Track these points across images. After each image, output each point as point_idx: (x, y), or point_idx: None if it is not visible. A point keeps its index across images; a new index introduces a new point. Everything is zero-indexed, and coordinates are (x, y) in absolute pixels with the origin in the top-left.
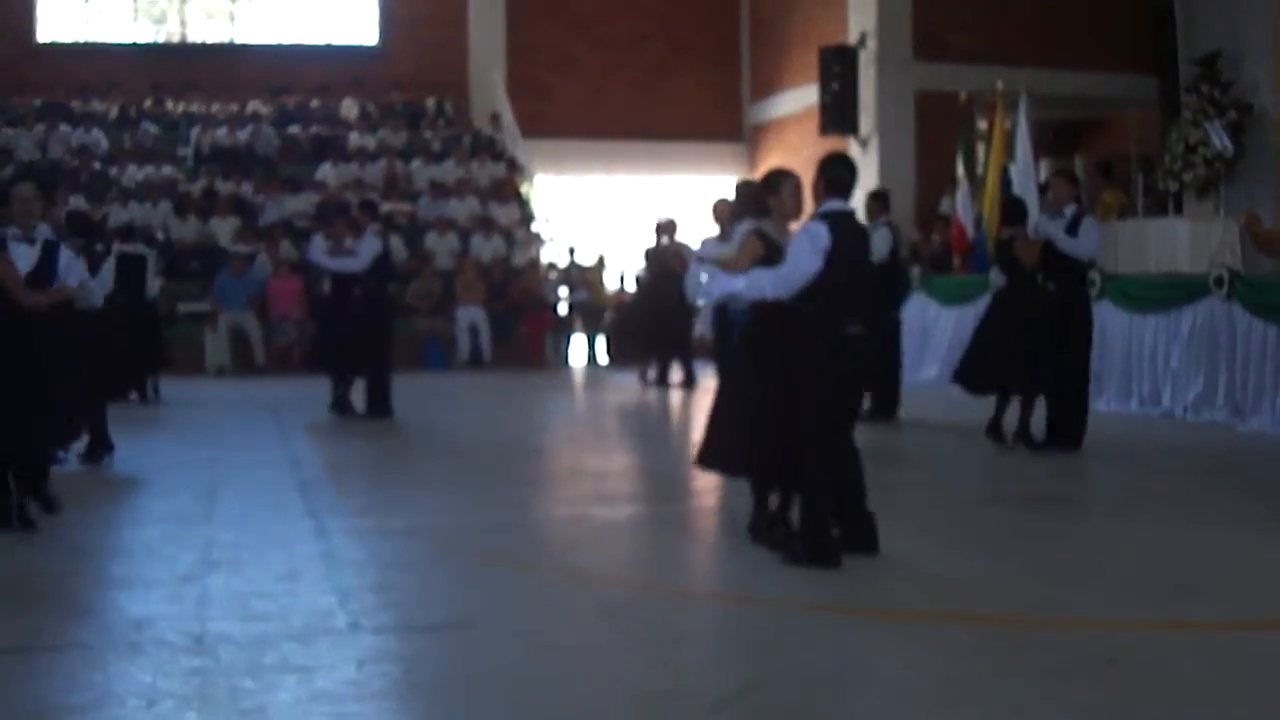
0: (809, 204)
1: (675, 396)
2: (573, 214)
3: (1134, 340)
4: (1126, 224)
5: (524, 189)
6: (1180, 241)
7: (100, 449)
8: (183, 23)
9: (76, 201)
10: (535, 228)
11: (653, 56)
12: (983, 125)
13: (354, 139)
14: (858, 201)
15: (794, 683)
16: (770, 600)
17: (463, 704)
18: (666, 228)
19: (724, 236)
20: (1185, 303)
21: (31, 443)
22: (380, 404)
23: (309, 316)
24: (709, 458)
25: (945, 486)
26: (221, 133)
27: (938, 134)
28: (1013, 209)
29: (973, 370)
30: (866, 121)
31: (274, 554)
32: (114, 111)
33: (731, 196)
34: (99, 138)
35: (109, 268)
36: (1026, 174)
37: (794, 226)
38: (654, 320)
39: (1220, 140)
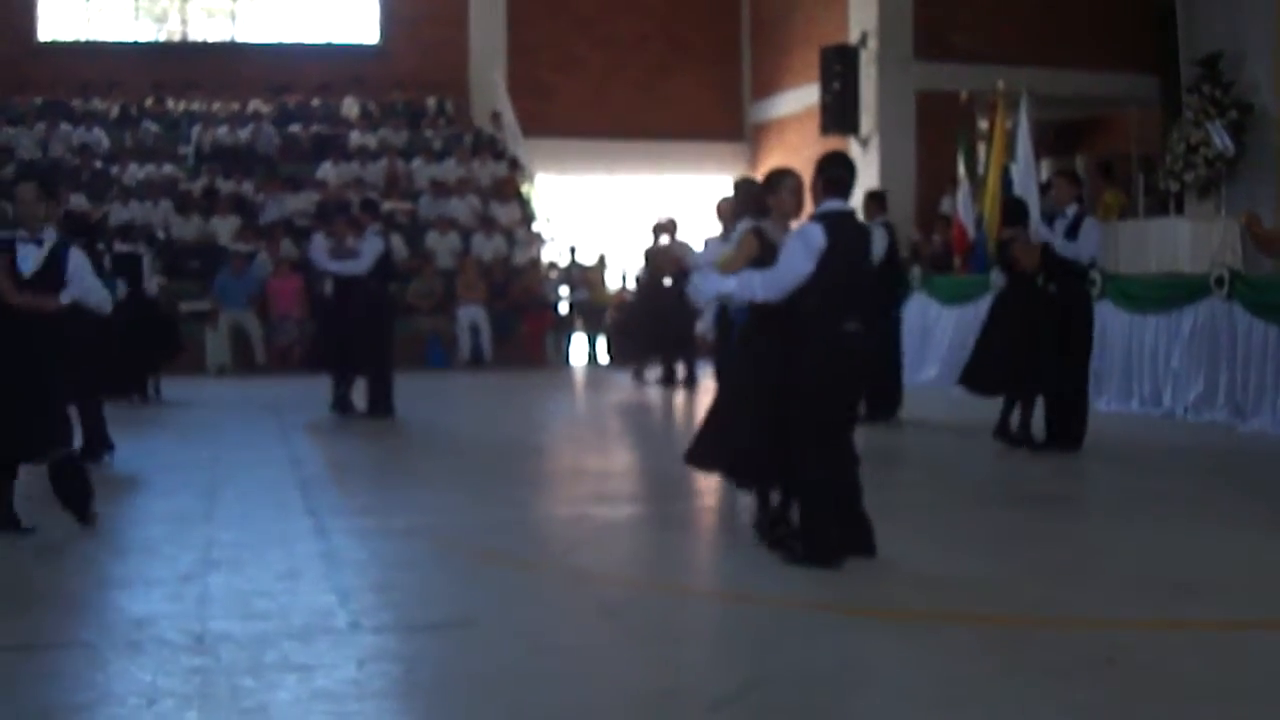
0: (809, 204)
1: (676, 396)
2: (573, 213)
3: (1135, 340)
4: (1127, 224)
5: (525, 188)
6: (1181, 241)
7: (99, 448)
8: (184, 21)
9: (78, 200)
10: (536, 227)
11: (654, 56)
12: (984, 125)
13: (355, 138)
14: (856, 201)
15: (794, 682)
16: (770, 599)
17: (463, 703)
18: (665, 228)
19: (727, 236)
20: (1186, 303)
21: (31, 443)
22: (381, 403)
23: (309, 315)
24: (694, 455)
25: (945, 486)
26: (222, 131)
27: (938, 134)
28: (1014, 209)
29: (978, 372)
30: (867, 121)
31: (274, 553)
32: (115, 110)
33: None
34: (100, 136)
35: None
36: (1027, 174)
37: (794, 226)
38: (654, 320)
39: (1221, 140)
